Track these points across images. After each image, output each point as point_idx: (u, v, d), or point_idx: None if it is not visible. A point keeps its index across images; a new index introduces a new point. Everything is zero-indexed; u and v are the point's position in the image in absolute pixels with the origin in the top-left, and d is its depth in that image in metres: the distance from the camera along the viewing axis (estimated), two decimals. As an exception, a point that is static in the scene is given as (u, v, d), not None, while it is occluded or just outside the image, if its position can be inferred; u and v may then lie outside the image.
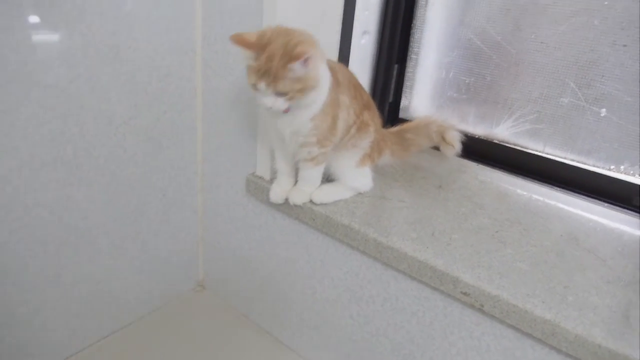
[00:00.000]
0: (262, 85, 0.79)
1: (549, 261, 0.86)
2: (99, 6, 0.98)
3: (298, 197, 1.02)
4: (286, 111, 0.84)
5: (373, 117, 1.02)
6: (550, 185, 1.14)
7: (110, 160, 1.10)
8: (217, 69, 1.16)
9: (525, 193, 1.11)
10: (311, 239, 1.09)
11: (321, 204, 1.00)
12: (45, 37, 0.92)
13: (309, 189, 1.01)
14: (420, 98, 1.34)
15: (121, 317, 1.29)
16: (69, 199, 1.05)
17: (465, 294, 0.82)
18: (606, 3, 1.01)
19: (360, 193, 1.06)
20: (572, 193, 1.11)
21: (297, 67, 0.76)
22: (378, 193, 1.06)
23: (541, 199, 1.09)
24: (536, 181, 1.15)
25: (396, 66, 1.34)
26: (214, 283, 1.44)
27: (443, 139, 1.10)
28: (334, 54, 1.18)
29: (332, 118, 0.90)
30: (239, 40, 0.80)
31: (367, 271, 1.01)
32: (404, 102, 1.37)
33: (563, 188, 1.12)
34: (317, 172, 1.00)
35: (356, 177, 1.04)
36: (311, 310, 1.17)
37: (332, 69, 0.89)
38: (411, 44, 1.32)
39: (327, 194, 1.02)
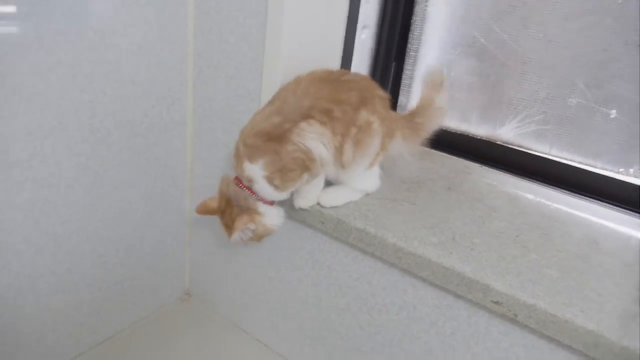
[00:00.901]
0: None
1: (577, 267, 0.82)
2: (84, -15, 0.87)
3: (303, 201, 0.94)
4: None
5: (374, 110, 0.90)
6: (557, 188, 1.11)
7: (93, 158, 0.99)
8: (212, 60, 1.07)
9: (532, 196, 1.08)
10: (318, 244, 1.02)
11: (331, 207, 0.93)
12: (22, 18, 0.81)
13: (312, 193, 0.95)
14: (418, 97, 1.29)
15: (102, 330, 1.17)
16: (46, 201, 0.94)
17: (496, 303, 0.76)
18: (620, 1, 0.98)
19: (368, 194, 0.99)
20: (580, 196, 1.08)
21: (237, 237, 0.87)
22: (387, 195, 1.00)
23: (549, 203, 1.06)
24: (542, 184, 1.13)
25: (394, 64, 1.28)
26: (202, 291, 1.34)
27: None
28: (337, 49, 1.11)
29: (300, 166, 0.85)
30: (203, 210, 0.93)
31: (381, 278, 0.95)
32: (402, 101, 1.32)
33: (570, 191, 1.10)
34: (314, 186, 0.94)
35: (365, 179, 0.97)
36: (314, 320, 1.09)
37: (269, 130, 0.84)
38: (410, 40, 1.27)
39: (337, 197, 0.95)
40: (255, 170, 0.84)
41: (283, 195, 0.89)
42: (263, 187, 0.86)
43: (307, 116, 0.83)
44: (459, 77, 1.22)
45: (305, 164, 0.85)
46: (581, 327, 0.70)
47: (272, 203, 0.89)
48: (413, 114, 1.03)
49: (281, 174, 0.84)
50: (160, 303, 1.31)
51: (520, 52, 1.12)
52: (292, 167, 0.84)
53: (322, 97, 0.85)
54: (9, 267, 0.92)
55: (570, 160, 1.12)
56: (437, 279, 0.82)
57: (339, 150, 0.87)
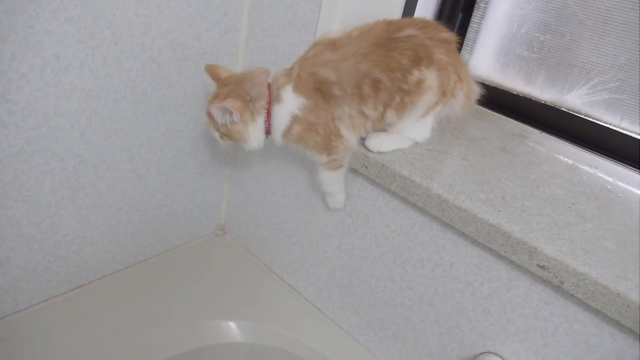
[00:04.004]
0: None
1: (636, 242, 0.76)
2: None
3: (331, 200, 0.99)
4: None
5: (430, 63, 0.84)
6: (623, 164, 1.02)
7: (142, 75, 0.98)
8: (270, -12, 1.03)
9: (593, 169, 1.00)
10: (358, 190, 0.99)
11: (378, 153, 0.89)
12: None
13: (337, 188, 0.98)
14: (482, 53, 1.21)
15: (136, 251, 1.20)
16: (93, 112, 0.94)
17: (542, 267, 0.71)
18: None
19: (417, 143, 0.94)
20: (649, 174, 1.00)
21: (215, 110, 0.80)
22: (437, 147, 0.95)
23: (610, 178, 0.97)
24: (607, 157, 1.04)
25: (460, 15, 1.20)
26: (237, 229, 1.35)
27: None
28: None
29: (323, 136, 0.84)
30: (210, 69, 0.87)
31: (420, 231, 0.91)
32: (464, 56, 1.24)
33: (638, 168, 1.01)
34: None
35: (415, 128, 0.92)
36: (346, 268, 1.07)
37: (321, 82, 0.81)
38: (482, -10, 1.18)
39: (385, 142, 0.90)
40: (291, 100, 0.82)
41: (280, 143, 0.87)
42: (281, 116, 0.83)
43: (357, 87, 0.81)
44: (529, 35, 1.12)
45: (330, 139, 0.84)
46: (634, 303, 0.64)
47: (268, 132, 0.85)
48: None
49: (306, 128, 0.83)
50: (194, 235, 1.32)
51: (604, 10, 1.01)
52: (319, 132, 0.83)
53: (377, 65, 0.81)
54: (53, 173, 0.93)
55: (642, 135, 1.02)
56: (480, 236, 0.77)
57: (380, 117, 0.86)
